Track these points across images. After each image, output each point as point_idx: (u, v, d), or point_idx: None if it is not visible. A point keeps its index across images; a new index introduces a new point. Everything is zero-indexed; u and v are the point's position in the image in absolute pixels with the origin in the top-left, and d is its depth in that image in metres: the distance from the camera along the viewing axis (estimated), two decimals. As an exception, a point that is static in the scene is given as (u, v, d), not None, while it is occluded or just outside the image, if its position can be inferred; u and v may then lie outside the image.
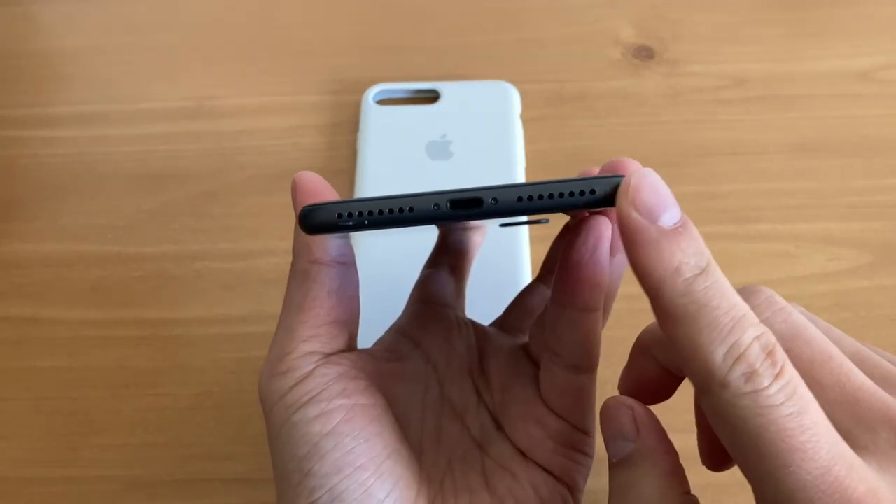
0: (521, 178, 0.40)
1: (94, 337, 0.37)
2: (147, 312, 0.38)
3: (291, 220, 0.42)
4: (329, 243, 0.24)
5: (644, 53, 0.46)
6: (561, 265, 0.24)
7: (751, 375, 0.18)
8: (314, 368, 0.23)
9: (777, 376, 0.18)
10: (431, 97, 0.44)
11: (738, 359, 0.18)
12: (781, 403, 0.17)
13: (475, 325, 0.29)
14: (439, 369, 0.27)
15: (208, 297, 0.38)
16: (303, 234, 0.23)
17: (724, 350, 0.18)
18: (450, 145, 0.41)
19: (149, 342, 0.37)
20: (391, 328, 0.28)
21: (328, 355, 0.24)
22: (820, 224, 0.39)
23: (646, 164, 0.46)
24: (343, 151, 0.43)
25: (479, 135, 0.41)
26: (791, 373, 0.18)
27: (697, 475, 0.29)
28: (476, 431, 0.26)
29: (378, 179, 0.40)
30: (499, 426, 0.26)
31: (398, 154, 0.41)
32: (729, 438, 0.18)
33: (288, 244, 0.40)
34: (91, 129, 0.45)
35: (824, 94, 0.44)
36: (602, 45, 0.47)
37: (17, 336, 0.37)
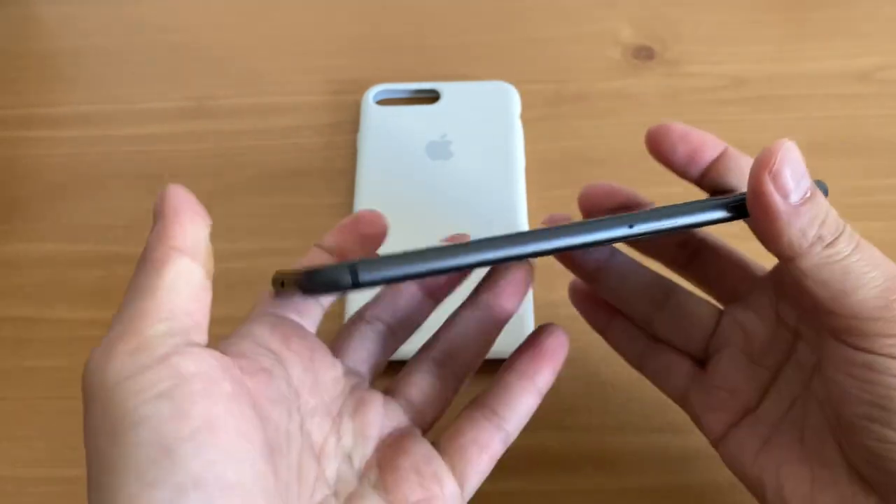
0: (521, 178, 0.40)
1: (95, 337, 0.37)
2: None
3: (292, 219, 0.42)
4: (193, 234, 0.23)
5: (644, 54, 0.46)
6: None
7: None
8: (170, 354, 0.19)
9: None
10: (431, 97, 0.44)
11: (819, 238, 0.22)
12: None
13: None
14: (301, 396, 0.24)
15: (208, 297, 0.38)
16: (165, 222, 0.22)
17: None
18: (450, 145, 0.41)
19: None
20: (242, 333, 0.24)
21: (188, 344, 0.20)
22: (820, 224, 0.39)
23: (645, 164, 0.46)
24: (343, 151, 0.43)
25: (479, 135, 0.41)
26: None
27: (697, 475, 0.29)
28: (331, 477, 0.24)
29: (378, 179, 0.40)
30: (365, 481, 0.24)
31: (398, 154, 0.41)
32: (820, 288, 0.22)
33: (289, 244, 0.40)
34: (91, 129, 0.45)
35: (824, 95, 0.44)
36: (602, 46, 0.47)
37: (17, 336, 0.37)
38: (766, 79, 0.45)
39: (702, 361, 0.28)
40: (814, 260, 0.22)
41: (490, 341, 0.28)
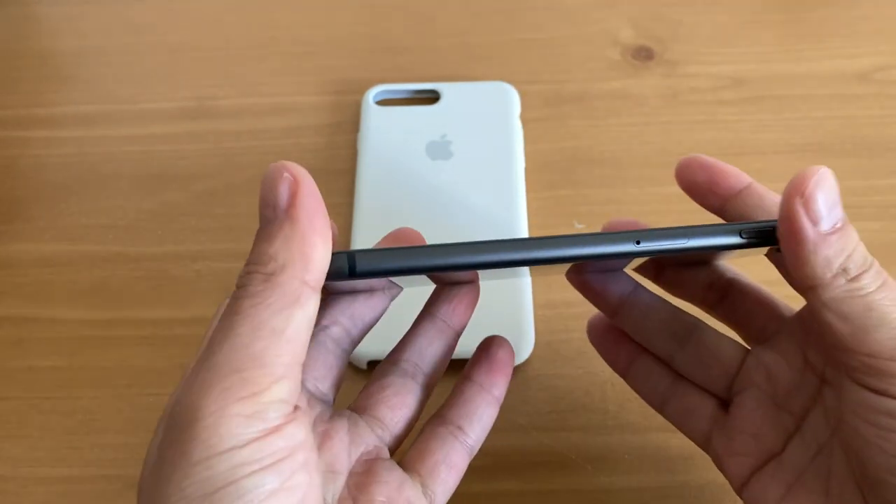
0: (520, 178, 0.40)
1: (94, 337, 0.37)
2: (148, 312, 0.38)
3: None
4: (324, 260, 0.20)
5: (643, 54, 0.46)
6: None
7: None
8: (284, 425, 0.19)
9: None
10: (431, 97, 0.44)
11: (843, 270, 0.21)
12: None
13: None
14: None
15: (209, 297, 0.38)
16: (299, 238, 0.20)
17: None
18: (450, 146, 0.41)
19: (149, 342, 0.37)
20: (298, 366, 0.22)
21: (296, 407, 0.20)
22: (819, 224, 0.39)
23: (645, 164, 0.46)
24: (343, 151, 0.43)
25: (479, 135, 0.41)
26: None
27: (697, 475, 0.29)
28: None
29: (378, 180, 0.40)
30: None
31: (398, 154, 0.41)
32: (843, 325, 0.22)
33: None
34: (92, 129, 0.45)
35: (823, 95, 0.44)
36: (602, 46, 0.47)
37: (17, 336, 0.37)
38: (765, 79, 0.45)
39: (724, 401, 0.28)
40: (835, 292, 0.21)
41: (450, 351, 0.28)
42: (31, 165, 0.43)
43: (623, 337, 0.30)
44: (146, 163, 0.43)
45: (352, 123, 0.44)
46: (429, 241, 0.39)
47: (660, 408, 0.29)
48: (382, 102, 0.44)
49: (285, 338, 0.19)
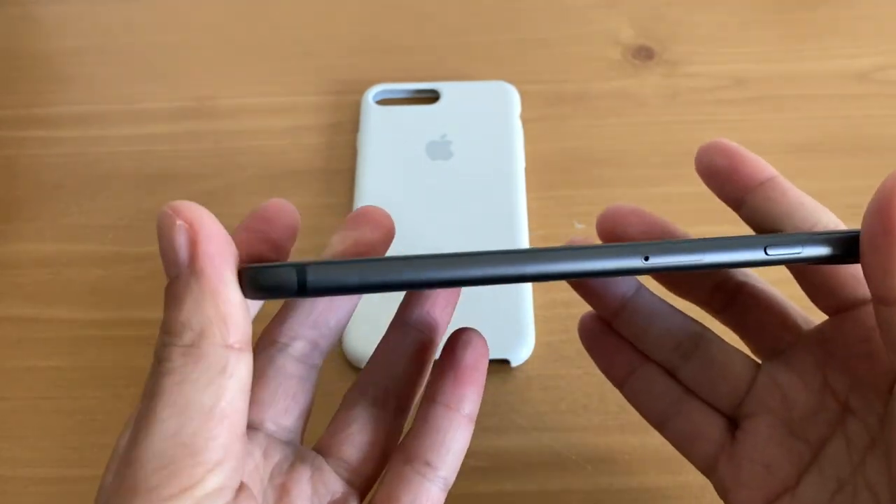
0: (521, 178, 0.40)
1: (94, 337, 0.37)
2: (147, 312, 0.38)
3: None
4: (241, 309, 0.18)
5: (644, 54, 0.46)
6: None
7: None
8: None
9: None
10: (431, 97, 0.44)
11: None
12: None
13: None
14: None
15: (208, 297, 0.38)
16: (207, 292, 0.17)
17: None
18: (450, 145, 0.41)
19: (149, 342, 0.36)
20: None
21: (241, 487, 0.18)
22: (819, 224, 0.39)
23: (646, 164, 0.46)
24: (343, 151, 0.43)
25: (479, 135, 0.41)
26: None
27: (697, 475, 0.29)
28: None
29: (378, 179, 0.40)
30: None
31: (398, 154, 0.41)
32: None
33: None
34: (91, 129, 0.45)
35: (824, 95, 0.44)
36: (602, 46, 0.47)
37: (17, 336, 0.37)
38: (765, 79, 0.45)
39: (732, 421, 0.25)
40: None
41: (427, 365, 0.24)
42: (29, 165, 0.43)
43: (621, 341, 0.27)
44: (145, 163, 0.43)
45: (351, 123, 0.44)
46: (428, 241, 0.39)
47: (659, 426, 0.26)
48: (382, 102, 0.44)
49: (217, 415, 0.17)
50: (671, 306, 0.26)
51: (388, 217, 0.23)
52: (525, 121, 0.43)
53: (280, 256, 0.21)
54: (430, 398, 0.23)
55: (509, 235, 0.38)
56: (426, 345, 0.24)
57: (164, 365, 0.18)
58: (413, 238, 0.38)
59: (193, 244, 0.17)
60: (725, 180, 0.24)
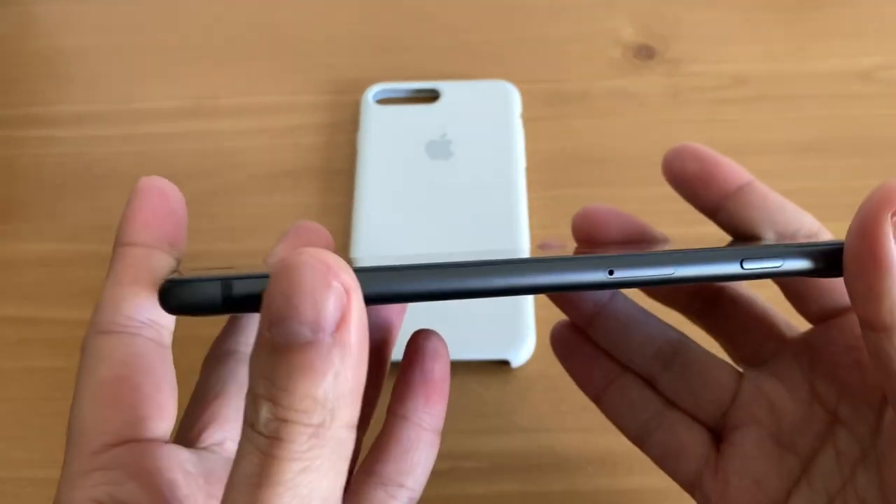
0: (521, 177, 0.40)
1: (94, 337, 0.37)
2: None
3: (292, 219, 0.42)
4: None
5: (645, 53, 0.46)
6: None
7: None
8: None
9: None
10: (431, 96, 0.43)
11: None
12: None
13: None
14: None
15: (208, 298, 0.37)
16: (357, 371, 0.15)
17: None
18: (450, 145, 0.41)
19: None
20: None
21: None
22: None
23: (646, 164, 0.46)
24: (343, 151, 0.43)
25: (480, 134, 0.41)
26: None
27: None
28: None
29: (378, 179, 0.40)
30: None
31: (398, 154, 0.41)
32: None
33: (288, 244, 0.40)
34: (90, 128, 0.44)
35: (826, 94, 0.44)
36: (602, 45, 0.47)
37: (17, 336, 0.37)
38: (767, 78, 0.45)
39: (715, 434, 0.24)
40: None
41: (385, 371, 0.23)
42: (29, 165, 0.43)
43: (597, 352, 0.25)
44: (144, 162, 0.43)
45: (351, 122, 0.44)
46: (428, 241, 0.39)
47: (639, 441, 0.25)
48: (382, 101, 0.43)
49: (333, 503, 0.16)
50: (648, 313, 0.25)
51: (328, 236, 0.22)
52: (525, 120, 0.43)
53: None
54: (401, 415, 0.22)
55: (509, 235, 0.38)
56: (382, 351, 0.23)
57: (287, 447, 0.15)
58: (413, 238, 0.38)
59: (346, 313, 0.15)
60: (700, 186, 0.23)
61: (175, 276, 0.17)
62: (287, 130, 0.44)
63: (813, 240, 0.21)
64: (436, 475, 0.33)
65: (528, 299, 0.36)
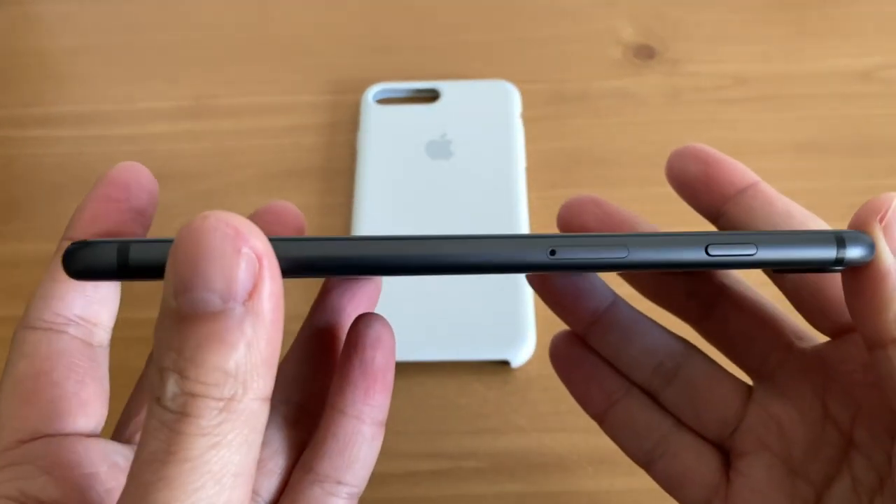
0: (521, 177, 0.40)
1: (94, 337, 0.37)
2: (147, 312, 0.37)
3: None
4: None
5: (645, 53, 0.46)
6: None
7: None
8: None
9: None
10: (431, 96, 0.43)
11: None
12: None
13: None
14: None
15: (208, 298, 0.37)
16: (271, 341, 0.15)
17: None
18: (450, 145, 0.41)
19: (149, 342, 0.36)
20: None
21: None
22: (821, 224, 0.39)
23: (646, 164, 0.46)
24: (343, 151, 0.43)
25: (480, 134, 0.41)
26: None
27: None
28: None
29: (378, 179, 0.40)
30: None
31: (398, 153, 0.41)
32: None
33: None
34: (90, 128, 0.44)
35: (826, 94, 0.44)
36: (603, 45, 0.47)
37: (17, 336, 0.37)
38: (767, 78, 0.45)
39: (724, 453, 0.23)
40: None
41: (335, 365, 0.21)
42: (28, 165, 0.43)
43: (598, 365, 0.24)
44: (144, 162, 0.42)
45: (351, 122, 0.43)
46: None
47: (645, 467, 0.24)
48: (382, 101, 0.43)
49: (246, 478, 0.15)
50: (652, 322, 0.24)
51: (300, 218, 0.21)
52: (525, 120, 0.43)
53: None
54: (338, 409, 0.20)
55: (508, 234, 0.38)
56: (334, 343, 0.21)
57: (195, 423, 0.14)
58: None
59: (258, 280, 0.14)
60: (700, 189, 0.21)
61: (80, 240, 0.16)
62: (287, 130, 0.44)
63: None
64: (436, 475, 0.33)
65: (528, 300, 0.36)
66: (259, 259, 0.14)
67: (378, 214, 0.39)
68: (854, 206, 0.21)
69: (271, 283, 0.14)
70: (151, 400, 0.15)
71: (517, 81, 0.44)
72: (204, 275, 0.14)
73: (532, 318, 0.35)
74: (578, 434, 0.33)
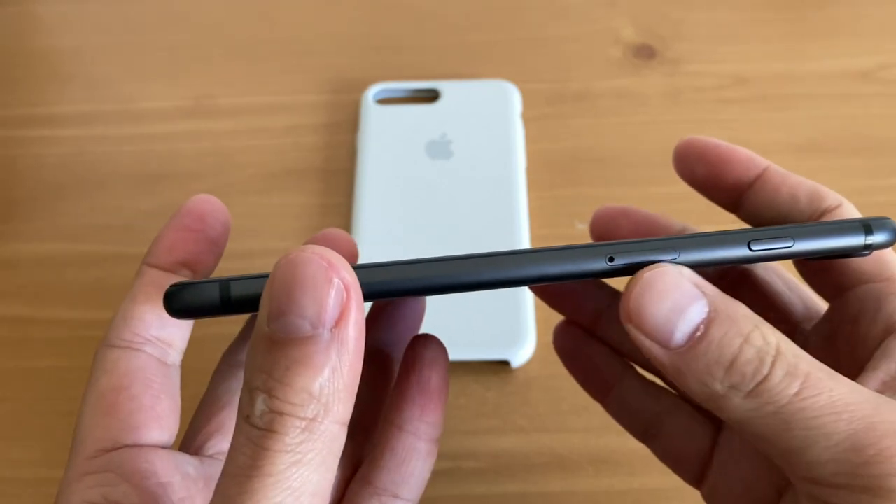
0: (521, 177, 0.40)
1: (94, 337, 0.37)
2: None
3: (291, 219, 0.42)
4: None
5: (645, 52, 0.46)
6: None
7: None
8: None
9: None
10: (431, 96, 0.43)
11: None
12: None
13: None
14: None
15: (208, 298, 0.37)
16: (352, 367, 0.16)
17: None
18: (450, 145, 0.41)
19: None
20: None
21: None
22: (821, 224, 0.39)
23: (646, 163, 0.46)
24: (343, 151, 0.43)
25: (480, 134, 0.41)
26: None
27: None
28: None
29: (378, 179, 0.40)
30: None
31: (398, 153, 0.41)
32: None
33: (289, 244, 0.40)
34: (90, 128, 0.44)
35: (826, 94, 0.44)
36: (603, 45, 0.47)
37: (17, 336, 0.37)
38: (767, 78, 0.45)
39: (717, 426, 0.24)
40: (736, 413, 0.17)
41: (392, 382, 0.23)
42: (29, 165, 0.43)
43: (600, 352, 0.25)
44: (144, 162, 0.43)
45: (351, 122, 0.43)
46: (428, 241, 0.39)
47: (645, 441, 0.25)
48: (382, 101, 0.43)
49: (321, 498, 0.16)
50: None
51: (354, 245, 0.23)
52: (526, 120, 0.43)
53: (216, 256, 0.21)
54: (396, 425, 0.22)
55: (509, 235, 0.38)
56: (386, 361, 0.23)
57: (280, 439, 0.15)
58: (413, 238, 0.38)
59: (345, 309, 0.16)
60: (712, 189, 0.22)
61: (179, 282, 0.18)
62: (287, 130, 0.44)
63: (828, 219, 0.20)
64: (436, 475, 0.33)
65: (529, 300, 0.36)
66: (347, 289, 0.15)
67: (378, 214, 0.39)
68: (854, 205, 0.21)
69: (356, 312, 0.16)
70: (240, 418, 0.16)
71: (517, 81, 0.44)
72: (298, 302, 0.15)
73: (532, 319, 0.35)
74: (578, 434, 0.33)
